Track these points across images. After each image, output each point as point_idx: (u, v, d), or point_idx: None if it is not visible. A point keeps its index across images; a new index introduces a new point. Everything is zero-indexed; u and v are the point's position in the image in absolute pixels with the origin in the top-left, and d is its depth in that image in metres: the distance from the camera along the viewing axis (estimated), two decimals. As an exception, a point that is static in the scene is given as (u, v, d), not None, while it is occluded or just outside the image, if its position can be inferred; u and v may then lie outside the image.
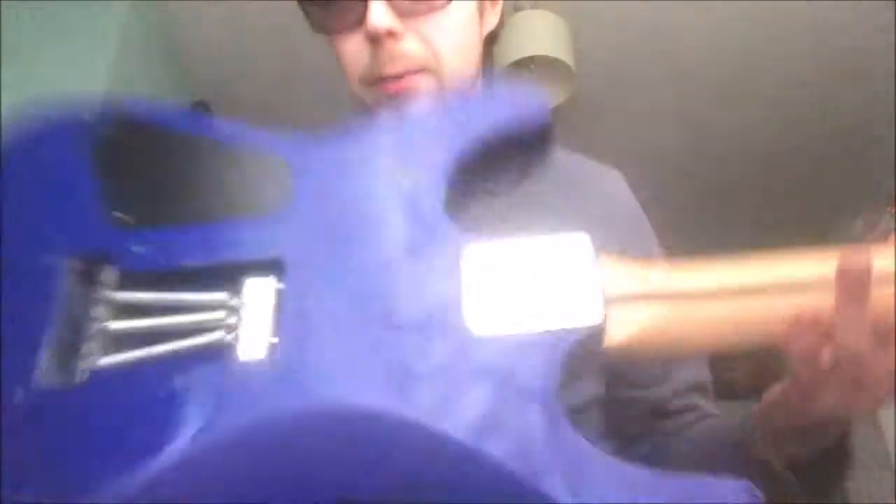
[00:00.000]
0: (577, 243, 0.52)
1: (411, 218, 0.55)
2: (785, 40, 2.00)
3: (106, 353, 0.54)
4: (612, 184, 0.74)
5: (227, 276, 0.56)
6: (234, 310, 0.55)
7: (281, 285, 0.55)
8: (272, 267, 0.55)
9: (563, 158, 0.70)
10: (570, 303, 0.50)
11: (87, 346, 0.54)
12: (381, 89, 0.65)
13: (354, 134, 0.60)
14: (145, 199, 0.60)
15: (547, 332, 0.49)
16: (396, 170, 0.58)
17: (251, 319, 0.54)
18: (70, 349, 0.55)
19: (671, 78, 2.13)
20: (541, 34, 2.13)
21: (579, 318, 0.50)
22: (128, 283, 0.57)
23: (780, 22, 1.96)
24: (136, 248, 0.57)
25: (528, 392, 0.48)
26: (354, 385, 0.50)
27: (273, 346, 0.52)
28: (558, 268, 0.52)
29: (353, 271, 0.54)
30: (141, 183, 0.60)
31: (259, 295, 0.55)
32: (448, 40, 0.63)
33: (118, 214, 0.58)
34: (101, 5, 1.61)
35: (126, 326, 0.55)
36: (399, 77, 0.63)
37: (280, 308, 0.54)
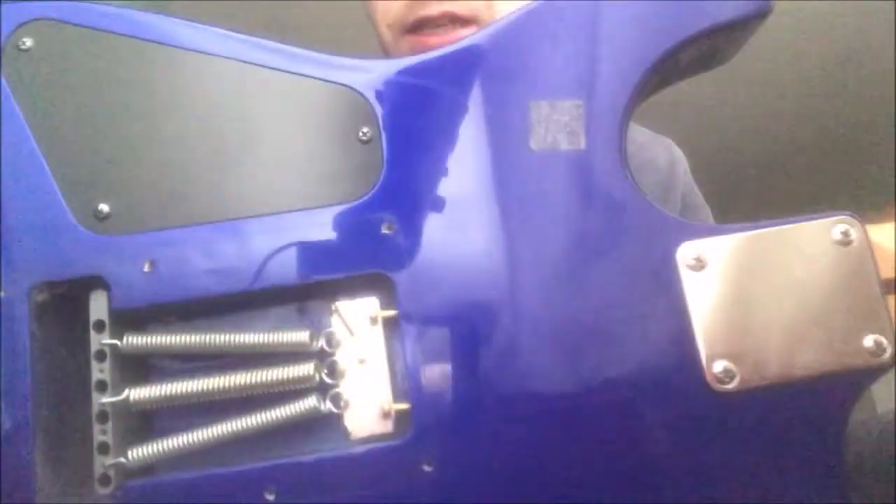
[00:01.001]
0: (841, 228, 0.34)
1: (582, 188, 0.35)
2: (783, 40, 1.98)
3: (126, 445, 0.34)
4: (667, 155, 0.63)
5: (293, 301, 0.36)
6: (324, 357, 0.35)
7: (389, 311, 0.35)
8: (368, 282, 0.35)
9: None
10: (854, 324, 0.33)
11: (100, 434, 0.34)
12: (417, 42, 0.49)
13: (460, 50, 0.38)
14: (133, 175, 0.37)
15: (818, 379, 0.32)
16: (541, 103, 0.37)
17: (356, 372, 0.34)
18: (67, 444, 0.34)
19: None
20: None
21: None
22: (129, 322, 0.36)
23: (778, 21, 2.02)
24: (138, 267, 0.35)
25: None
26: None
27: (402, 417, 0.34)
28: (826, 272, 0.34)
29: (496, 284, 0.34)
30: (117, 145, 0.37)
31: (359, 329, 0.35)
32: None
33: (98, 207, 0.36)
34: (102, 8, 1.82)
35: (150, 396, 0.35)
36: (441, 26, 0.48)
37: (396, 348, 0.35)
